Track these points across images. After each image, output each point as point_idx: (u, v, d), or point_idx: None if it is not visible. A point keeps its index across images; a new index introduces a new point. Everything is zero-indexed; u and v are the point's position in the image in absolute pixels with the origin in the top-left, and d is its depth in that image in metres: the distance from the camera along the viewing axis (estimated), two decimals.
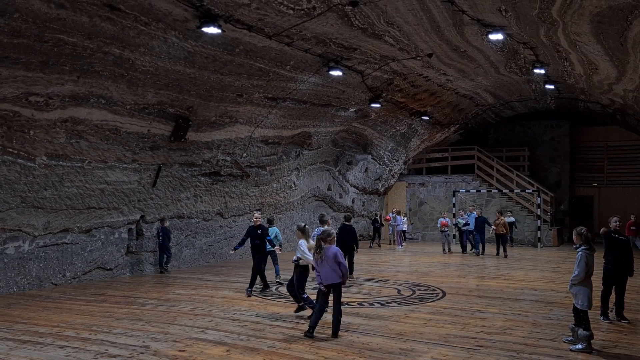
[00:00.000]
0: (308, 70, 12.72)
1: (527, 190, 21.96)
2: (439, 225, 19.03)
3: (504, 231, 17.42)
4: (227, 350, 6.49)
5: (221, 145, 14.00)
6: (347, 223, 12.59)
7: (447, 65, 14.17)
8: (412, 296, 10.27)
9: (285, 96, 13.83)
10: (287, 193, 17.95)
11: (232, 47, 10.55)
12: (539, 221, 21.10)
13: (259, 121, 14.36)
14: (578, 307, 6.69)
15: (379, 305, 9.41)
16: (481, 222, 17.97)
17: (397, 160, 23.16)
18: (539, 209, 21.04)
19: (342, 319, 7.42)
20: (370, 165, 22.29)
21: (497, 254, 17.40)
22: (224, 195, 15.33)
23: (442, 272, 13.56)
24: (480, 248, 17.86)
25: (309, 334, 7.06)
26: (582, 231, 6.97)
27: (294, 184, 18.16)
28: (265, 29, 10.09)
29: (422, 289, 11.01)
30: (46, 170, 10.35)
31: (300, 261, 8.37)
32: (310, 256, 7.85)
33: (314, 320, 7.16)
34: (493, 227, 17.52)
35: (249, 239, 10.71)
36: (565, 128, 24.95)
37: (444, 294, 10.48)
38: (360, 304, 9.47)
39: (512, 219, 20.75)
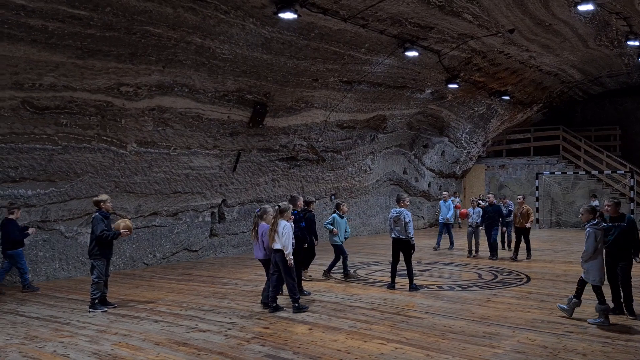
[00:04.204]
0: (383, 52, 12.57)
1: (618, 172, 20.59)
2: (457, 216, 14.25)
3: (526, 223, 12.33)
4: (310, 329, 6.63)
5: (297, 130, 14.20)
6: (307, 208, 9.47)
7: (530, 41, 13.49)
8: (494, 280, 9.98)
9: (360, 79, 13.76)
10: (362, 177, 17.94)
11: (307, 31, 10.62)
12: (632, 204, 19.75)
13: (334, 105, 14.41)
14: (590, 282, 6.88)
15: (460, 289, 9.23)
16: (494, 213, 12.74)
17: (475, 143, 22.45)
18: (632, 191, 19.69)
19: (422, 301, 7.56)
20: (447, 148, 21.78)
21: (515, 256, 12.43)
22: (300, 179, 15.57)
23: (526, 257, 13.04)
24: (486, 247, 12.85)
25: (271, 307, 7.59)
26: (593, 207, 7.18)
27: (369, 167, 18.11)
28: (340, 11, 10.06)
29: (505, 274, 10.67)
30: (136, 157, 10.97)
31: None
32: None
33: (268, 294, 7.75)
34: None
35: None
36: None
37: (529, 279, 10.10)
38: (440, 287, 9.34)
39: (596, 202, 19.62)
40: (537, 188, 21.20)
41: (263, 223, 7.73)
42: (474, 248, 13.00)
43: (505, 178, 23.35)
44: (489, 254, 12.64)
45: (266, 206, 8.06)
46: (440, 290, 9.04)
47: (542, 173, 21.64)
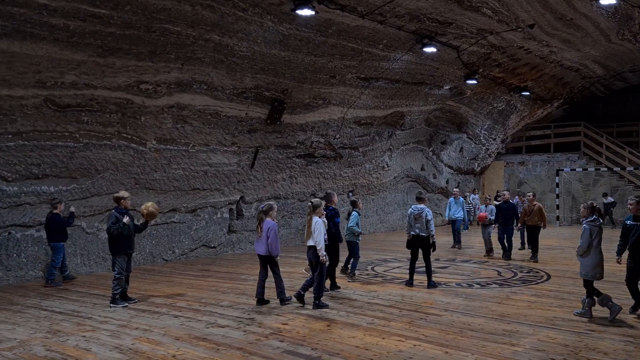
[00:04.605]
0: (401, 48, 12.51)
1: None
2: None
3: (539, 222, 11.90)
4: (328, 325, 6.65)
5: (315, 127, 14.21)
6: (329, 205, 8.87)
7: (551, 36, 13.30)
8: (513, 278, 9.89)
9: (378, 76, 13.71)
10: (379, 174, 17.89)
11: (325, 28, 10.61)
12: None
13: (352, 102, 14.38)
14: (581, 276, 7.05)
15: (479, 286, 9.16)
16: (508, 211, 12.16)
17: (494, 139, 22.23)
18: None
19: (441, 298, 7.62)
20: (465, 144, 21.59)
21: (534, 257, 11.86)
22: (318, 176, 15.58)
23: (546, 255, 12.87)
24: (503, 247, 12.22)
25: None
26: (593, 204, 7.24)
27: (387, 164, 18.04)
28: (358, 7, 10.03)
29: (525, 271, 10.56)
30: (156, 154, 11.09)
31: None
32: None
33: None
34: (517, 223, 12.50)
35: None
36: None
37: (549, 276, 9.98)
38: (458, 284, 9.28)
39: (610, 199, 19.37)
40: (557, 185, 20.92)
41: (268, 219, 7.78)
42: (490, 247, 12.60)
43: (524, 175, 23.09)
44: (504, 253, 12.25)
45: (271, 202, 8.12)
46: (459, 288, 8.99)
47: (563, 170, 21.35)
